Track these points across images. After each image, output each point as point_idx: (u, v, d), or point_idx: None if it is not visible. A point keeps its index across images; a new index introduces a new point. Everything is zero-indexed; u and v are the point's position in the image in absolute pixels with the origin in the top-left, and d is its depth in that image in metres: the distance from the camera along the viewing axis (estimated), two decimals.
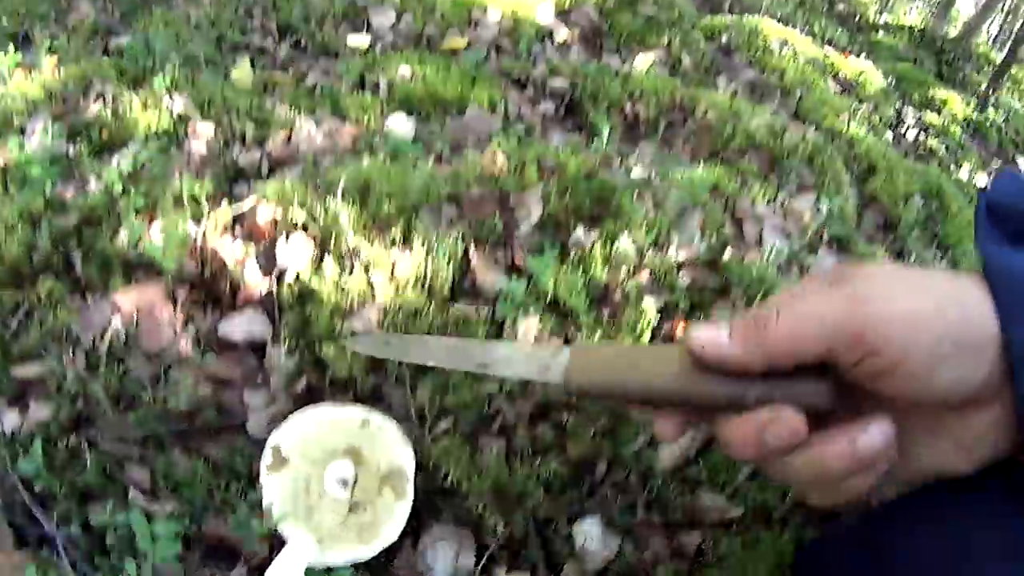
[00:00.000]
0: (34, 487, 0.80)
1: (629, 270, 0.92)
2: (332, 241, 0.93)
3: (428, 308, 0.86)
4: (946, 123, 2.17)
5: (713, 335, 0.37)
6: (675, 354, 0.39)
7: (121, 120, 1.22)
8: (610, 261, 0.91)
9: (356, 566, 0.72)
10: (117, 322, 0.92)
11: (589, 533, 0.76)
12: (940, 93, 2.34)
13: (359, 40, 1.54)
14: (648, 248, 0.94)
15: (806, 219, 1.17)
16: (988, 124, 2.37)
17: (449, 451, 0.77)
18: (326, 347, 0.85)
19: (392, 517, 0.75)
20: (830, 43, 2.49)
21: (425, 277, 0.89)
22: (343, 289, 0.88)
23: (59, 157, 1.17)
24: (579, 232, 0.94)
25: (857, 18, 3.22)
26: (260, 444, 0.80)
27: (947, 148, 2.01)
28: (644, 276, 0.92)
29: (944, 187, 1.49)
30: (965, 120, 2.28)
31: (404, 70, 1.32)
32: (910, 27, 3.36)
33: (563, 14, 1.68)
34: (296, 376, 0.86)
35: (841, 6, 3.28)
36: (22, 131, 1.30)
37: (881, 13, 3.66)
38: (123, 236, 0.98)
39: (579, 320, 0.86)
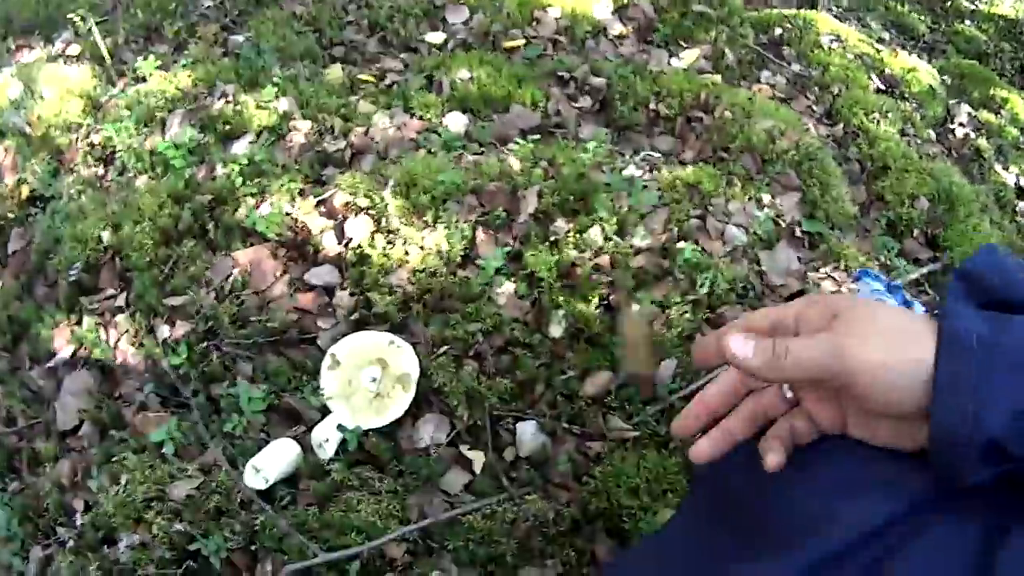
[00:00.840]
0: (179, 371, 1.74)
1: (594, 253, 1.72)
2: (383, 221, 1.81)
3: (443, 270, 1.72)
4: (1003, 124, 2.70)
5: (743, 350, 0.68)
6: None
7: (240, 115, 2.18)
8: (579, 246, 1.72)
9: (374, 430, 1.59)
10: (236, 272, 1.85)
11: (525, 430, 1.57)
12: (1003, 93, 2.86)
13: (436, 37, 2.41)
14: (612, 237, 1.73)
15: (783, 216, 1.90)
16: None
17: (442, 366, 1.60)
18: (373, 292, 1.73)
19: (400, 403, 1.60)
20: (901, 31, 3.09)
21: (444, 250, 1.75)
22: (387, 255, 1.76)
23: (195, 148, 2.14)
24: (559, 222, 1.74)
25: (947, 3, 3.75)
26: (324, 352, 1.68)
27: (998, 149, 2.57)
28: (604, 259, 1.72)
29: (956, 191, 2.10)
30: None
31: (463, 73, 2.18)
32: (1000, 16, 3.80)
33: (621, 9, 2.46)
34: (353, 310, 1.73)
35: None
36: (163, 123, 2.30)
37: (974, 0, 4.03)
38: (241, 212, 1.91)
39: (546, 286, 1.67)
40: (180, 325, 1.80)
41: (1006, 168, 2.59)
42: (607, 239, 1.71)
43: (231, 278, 1.80)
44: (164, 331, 1.81)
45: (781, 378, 0.71)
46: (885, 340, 0.64)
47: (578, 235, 1.72)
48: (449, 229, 1.72)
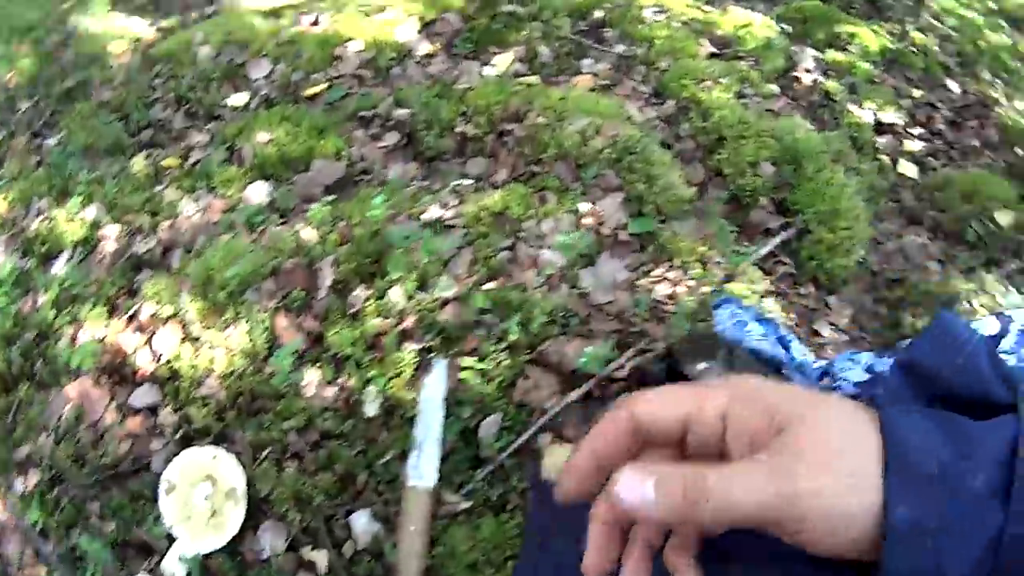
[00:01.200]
0: (37, 526, 1.73)
1: (397, 318, 1.67)
2: (188, 328, 1.77)
3: (250, 370, 1.68)
4: (854, 60, 2.60)
5: (636, 494, 0.49)
6: None
7: (53, 232, 2.12)
8: (381, 312, 1.67)
9: (218, 551, 1.58)
10: (67, 409, 1.82)
11: (358, 521, 1.56)
12: (849, 28, 2.75)
13: (238, 99, 2.33)
14: (415, 294, 1.68)
15: (605, 223, 1.82)
16: (914, 51, 2.77)
17: (265, 472, 1.59)
18: (190, 407, 1.70)
19: (234, 519, 1.59)
20: None
21: (248, 347, 1.71)
22: (195, 365, 1.72)
23: (19, 278, 2.10)
24: (358, 291, 1.69)
25: None
26: (159, 476, 1.66)
27: (851, 87, 2.48)
28: (410, 321, 1.67)
29: (802, 147, 2.02)
30: (881, 52, 2.71)
31: (263, 135, 2.10)
32: None
33: (427, 26, 2.36)
34: (177, 427, 1.71)
35: None
36: None
37: None
38: (62, 345, 1.88)
39: (352, 365, 1.63)
40: (32, 475, 1.80)
41: (860, 106, 2.49)
42: (409, 298, 1.66)
43: (63, 417, 1.78)
44: (19, 485, 1.80)
45: (698, 526, 0.54)
46: (839, 467, 0.49)
47: (378, 300, 1.66)
48: (249, 323, 1.68)
